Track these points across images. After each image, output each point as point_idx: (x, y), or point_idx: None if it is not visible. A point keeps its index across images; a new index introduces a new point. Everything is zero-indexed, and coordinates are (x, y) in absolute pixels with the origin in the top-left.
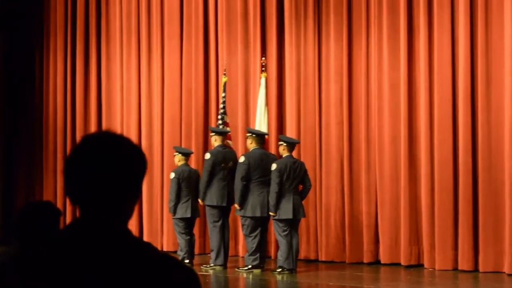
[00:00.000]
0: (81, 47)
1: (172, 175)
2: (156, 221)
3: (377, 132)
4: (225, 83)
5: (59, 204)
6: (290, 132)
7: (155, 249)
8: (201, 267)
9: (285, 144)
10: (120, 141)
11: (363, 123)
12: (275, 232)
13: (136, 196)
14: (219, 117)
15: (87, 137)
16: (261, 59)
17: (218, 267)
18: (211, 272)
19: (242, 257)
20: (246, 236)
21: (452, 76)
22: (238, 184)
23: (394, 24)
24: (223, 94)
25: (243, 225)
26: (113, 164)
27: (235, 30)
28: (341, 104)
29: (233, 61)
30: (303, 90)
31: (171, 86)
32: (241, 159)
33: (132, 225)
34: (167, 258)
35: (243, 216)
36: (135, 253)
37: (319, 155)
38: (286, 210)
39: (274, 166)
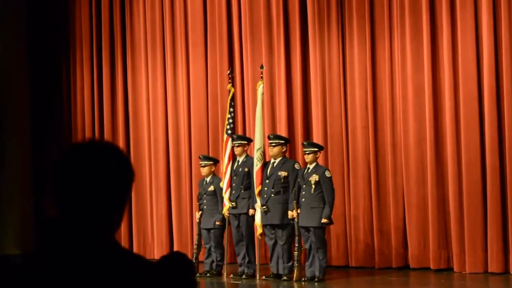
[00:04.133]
0: (107, 58)
1: None
2: (185, 232)
3: (403, 135)
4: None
5: None
6: (317, 138)
7: (146, 260)
8: None
9: None
10: (106, 149)
11: (389, 127)
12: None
13: (123, 206)
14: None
15: (73, 146)
16: (260, 69)
17: None
18: None
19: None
20: None
21: (477, 76)
22: None
23: (417, 26)
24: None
25: None
26: (99, 174)
27: (259, 36)
28: (366, 108)
29: (257, 68)
30: (328, 95)
31: (197, 94)
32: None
33: (163, 237)
34: (158, 268)
35: None
36: (125, 265)
37: (346, 160)
38: None
39: None
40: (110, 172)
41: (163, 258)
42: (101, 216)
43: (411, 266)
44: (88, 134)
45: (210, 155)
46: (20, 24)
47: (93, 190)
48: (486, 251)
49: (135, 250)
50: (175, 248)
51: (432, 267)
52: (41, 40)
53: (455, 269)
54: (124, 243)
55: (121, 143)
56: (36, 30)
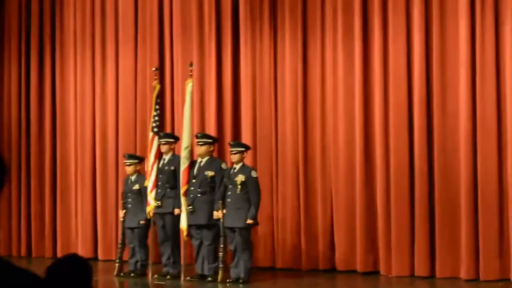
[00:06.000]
0: (35, 53)
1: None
2: (110, 231)
3: (332, 137)
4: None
5: (14, 212)
6: (246, 138)
7: (12, 264)
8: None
9: None
10: None
11: (318, 128)
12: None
13: None
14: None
15: None
16: (190, 67)
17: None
18: None
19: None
20: None
21: (408, 81)
22: None
23: (349, 28)
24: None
25: None
26: None
27: (190, 34)
28: (296, 109)
29: (188, 66)
30: (258, 95)
31: (126, 91)
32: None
33: (87, 236)
34: (25, 272)
35: None
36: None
37: (275, 161)
38: None
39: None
40: None
41: (55, 261)
42: None
43: (338, 268)
44: (14, 129)
45: (138, 153)
46: None
47: None
48: (412, 254)
49: (58, 248)
50: (100, 247)
51: (359, 270)
52: None
53: (382, 272)
54: (48, 241)
55: (47, 139)
56: None
